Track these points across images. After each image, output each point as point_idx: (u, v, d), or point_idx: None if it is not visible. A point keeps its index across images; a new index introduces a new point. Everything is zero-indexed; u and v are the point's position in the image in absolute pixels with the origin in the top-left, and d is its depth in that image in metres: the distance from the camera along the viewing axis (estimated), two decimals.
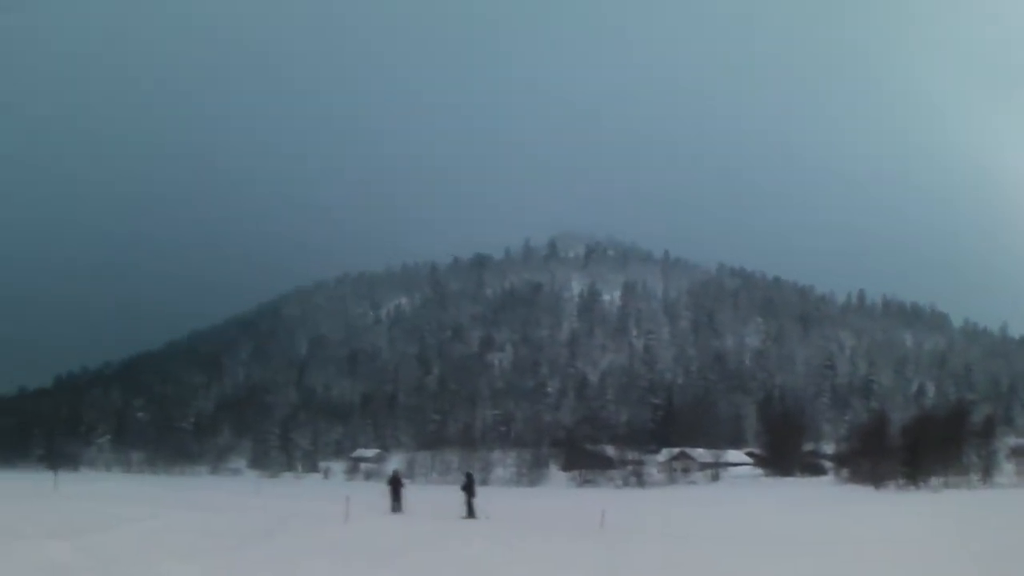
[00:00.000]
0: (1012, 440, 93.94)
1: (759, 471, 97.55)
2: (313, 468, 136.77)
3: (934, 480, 64.91)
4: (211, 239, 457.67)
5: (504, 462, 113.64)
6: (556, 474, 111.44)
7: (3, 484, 58.49)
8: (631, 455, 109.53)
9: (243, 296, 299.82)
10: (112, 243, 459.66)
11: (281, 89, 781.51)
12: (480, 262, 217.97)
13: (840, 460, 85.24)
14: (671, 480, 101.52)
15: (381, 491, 40.90)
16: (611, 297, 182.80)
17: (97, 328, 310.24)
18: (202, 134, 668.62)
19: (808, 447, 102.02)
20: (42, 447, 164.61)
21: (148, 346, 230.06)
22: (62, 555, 16.00)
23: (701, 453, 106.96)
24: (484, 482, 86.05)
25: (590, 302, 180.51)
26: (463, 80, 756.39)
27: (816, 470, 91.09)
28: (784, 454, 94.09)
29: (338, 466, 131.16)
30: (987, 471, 69.07)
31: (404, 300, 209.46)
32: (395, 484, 36.17)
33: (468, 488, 34.04)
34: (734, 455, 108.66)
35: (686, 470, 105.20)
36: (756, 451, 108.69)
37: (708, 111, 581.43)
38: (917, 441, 68.75)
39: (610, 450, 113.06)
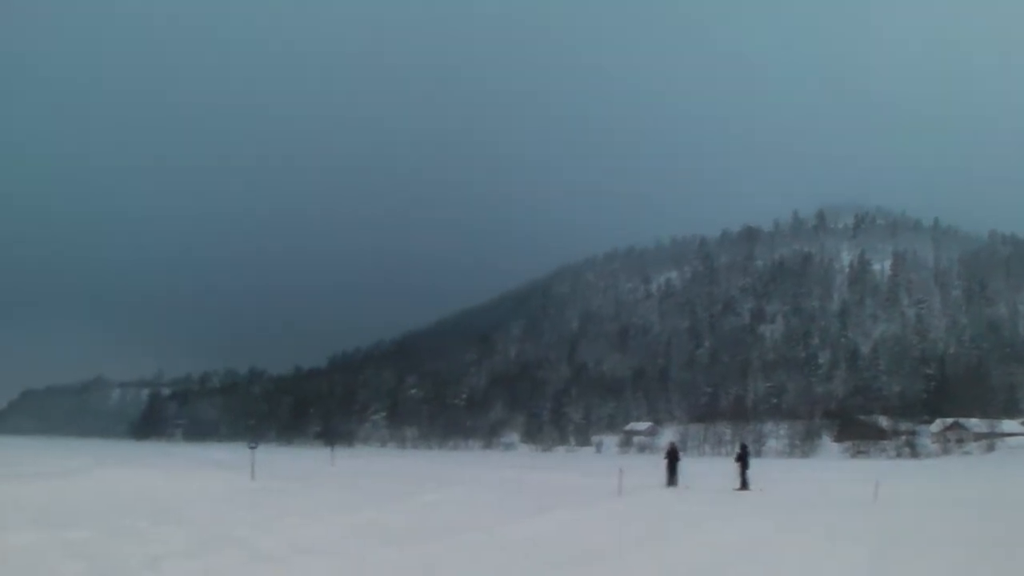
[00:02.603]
0: None
1: None
2: (586, 442, 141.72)
3: None
4: (481, 219, 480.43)
5: (776, 433, 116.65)
6: (828, 445, 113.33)
7: (282, 461, 60.82)
8: (904, 426, 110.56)
9: (514, 274, 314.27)
10: (384, 227, 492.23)
11: (551, 76, 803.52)
12: (749, 234, 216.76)
13: None
14: (945, 451, 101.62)
15: (655, 464, 42.04)
16: (881, 267, 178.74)
17: (370, 308, 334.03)
18: (477, 121, 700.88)
19: None
20: (318, 424, 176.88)
21: (420, 325, 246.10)
22: (354, 527, 17.03)
23: (975, 423, 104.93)
24: (757, 454, 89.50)
25: (860, 272, 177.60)
26: (740, 55, 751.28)
27: None
28: None
29: (611, 439, 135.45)
30: None
31: (674, 274, 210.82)
32: (672, 457, 35.45)
33: (742, 459, 33.86)
34: (1009, 425, 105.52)
35: (960, 440, 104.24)
36: None
37: (973, 76, 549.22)
38: None
39: (882, 421, 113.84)
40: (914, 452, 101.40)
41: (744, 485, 32.51)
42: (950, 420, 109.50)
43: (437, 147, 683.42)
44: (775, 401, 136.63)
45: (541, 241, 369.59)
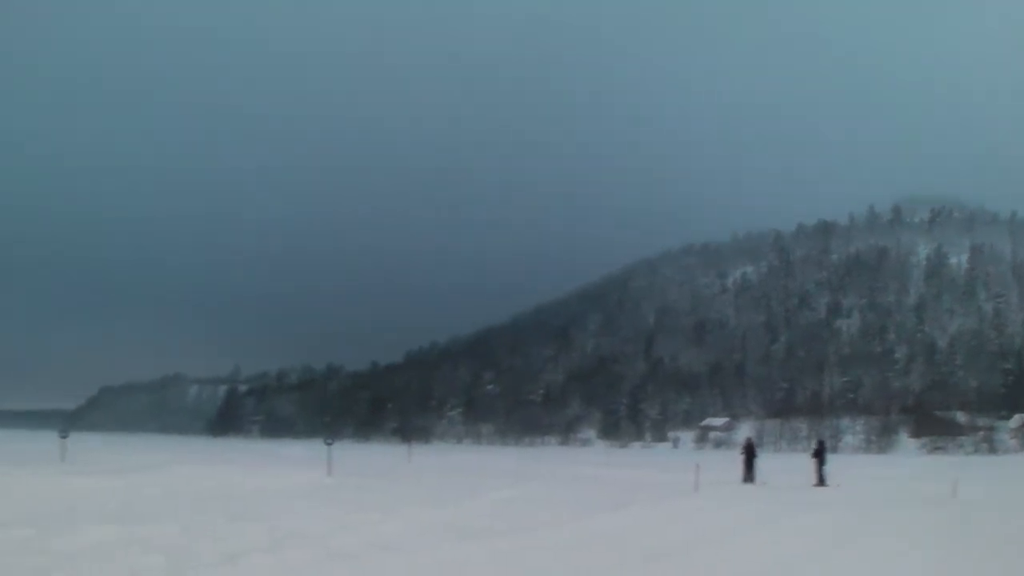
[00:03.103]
0: None
1: None
2: (662, 437, 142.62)
3: None
4: (557, 213, 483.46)
5: (852, 429, 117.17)
6: (905, 441, 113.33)
7: (359, 457, 58.75)
8: (981, 421, 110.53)
9: (590, 269, 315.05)
10: (460, 224, 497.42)
11: (623, 72, 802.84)
12: (825, 228, 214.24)
13: None
14: (1023, 447, 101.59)
15: (732, 460, 42.09)
16: (958, 260, 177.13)
17: (447, 305, 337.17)
18: (547, 116, 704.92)
19: None
20: (395, 421, 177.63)
21: (496, 320, 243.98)
22: (430, 523, 16.96)
23: None
24: (833, 449, 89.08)
25: (937, 266, 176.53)
26: (814, 47, 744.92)
27: None
28: None
29: (687, 435, 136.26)
30: None
31: (750, 268, 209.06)
32: (748, 452, 35.38)
33: (819, 455, 33.80)
34: None
35: None
36: None
37: None
38: None
39: (960, 416, 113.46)
40: (992, 448, 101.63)
41: (821, 481, 32.65)
42: None
43: (498, 147, 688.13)
44: (851, 396, 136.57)
45: (617, 235, 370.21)
